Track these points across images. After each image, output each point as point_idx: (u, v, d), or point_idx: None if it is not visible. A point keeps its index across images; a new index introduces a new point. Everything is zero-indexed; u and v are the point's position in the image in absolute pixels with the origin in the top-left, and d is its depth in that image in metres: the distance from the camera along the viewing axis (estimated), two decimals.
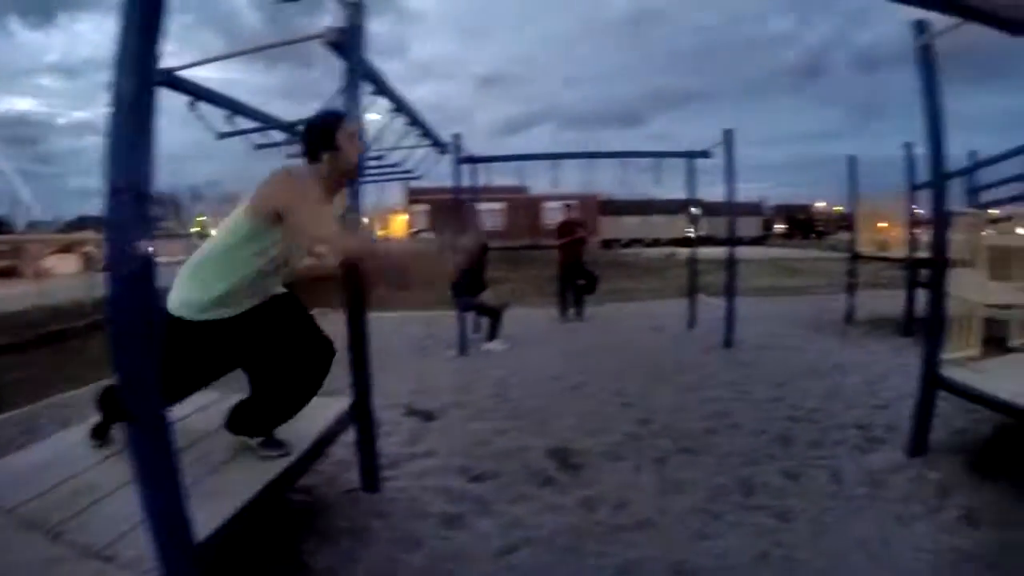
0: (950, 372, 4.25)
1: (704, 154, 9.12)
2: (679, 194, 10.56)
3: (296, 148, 4.20)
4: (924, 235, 8.75)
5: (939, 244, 4.16)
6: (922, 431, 4.22)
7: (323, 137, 2.83)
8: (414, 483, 3.92)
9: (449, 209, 10.15)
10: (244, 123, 4.89)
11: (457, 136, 8.47)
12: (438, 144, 7.32)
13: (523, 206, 42.80)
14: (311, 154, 2.86)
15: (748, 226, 56.83)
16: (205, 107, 4.40)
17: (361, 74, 3.70)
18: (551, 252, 11.92)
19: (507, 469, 4.09)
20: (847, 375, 6.45)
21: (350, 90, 3.57)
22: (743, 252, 9.66)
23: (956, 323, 4.80)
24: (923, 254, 8.58)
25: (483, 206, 33.52)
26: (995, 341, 5.81)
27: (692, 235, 14.00)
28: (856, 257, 10.67)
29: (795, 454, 4.31)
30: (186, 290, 2.75)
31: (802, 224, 73.89)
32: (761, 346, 8.21)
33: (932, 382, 4.21)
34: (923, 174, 9.30)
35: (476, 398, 5.87)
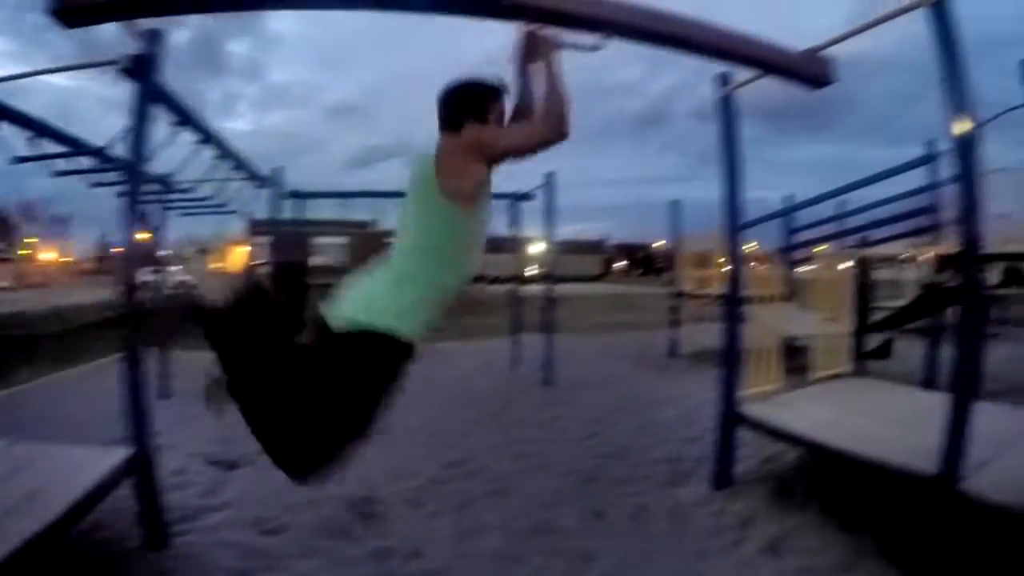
0: (750, 406, 4.37)
1: (527, 196, 9.30)
2: (526, 231, 10.67)
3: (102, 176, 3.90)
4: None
5: (734, 283, 4.30)
6: (725, 465, 4.29)
7: (472, 104, 2.34)
8: (205, 538, 3.59)
9: (289, 242, 9.78)
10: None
11: (278, 170, 8.17)
12: (256, 177, 7.04)
13: (370, 240, 41.54)
14: (451, 122, 2.33)
15: (590, 263, 58.35)
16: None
17: (160, 102, 3.51)
18: None
19: (302, 521, 3.83)
20: (664, 409, 6.56)
21: (140, 119, 3.34)
22: (583, 289, 9.75)
23: (762, 356, 4.92)
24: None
25: (326, 240, 32.68)
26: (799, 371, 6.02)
27: (533, 272, 14.12)
28: (679, 294, 11.13)
29: (601, 492, 4.27)
30: (397, 294, 2.23)
31: (642, 261, 76.45)
32: (582, 383, 8.27)
33: (730, 417, 4.30)
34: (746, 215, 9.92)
35: None
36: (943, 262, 6.95)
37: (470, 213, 2.24)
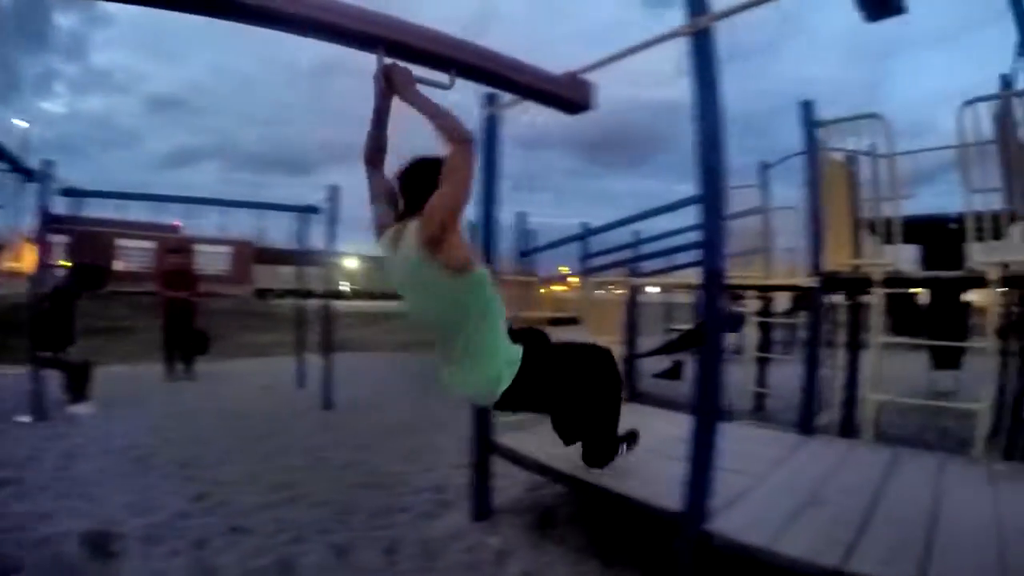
0: (505, 434, 4.28)
1: (313, 209, 9.09)
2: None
3: None
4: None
5: None
6: (482, 495, 4.16)
7: (425, 183, 2.49)
8: None
9: (92, 242, 9.04)
10: None
11: (49, 163, 7.37)
12: (21, 170, 6.34)
13: (173, 248, 38.93)
14: (419, 204, 2.51)
15: None
16: None
17: None
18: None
19: (36, 561, 3.42)
20: (441, 432, 6.42)
21: None
22: (397, 305, 9.47)
23: None
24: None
25: (130, 243, 30.39)
26: None
27: (345, 288, 13.86)
28: None
29: (354, 525, 4.03)
30: (494, 365, 2.70)
31: None
32: (365, 405, 8.07)
33: (484, 445, 4.18)
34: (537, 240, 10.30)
35: (35, 474, 4.90)
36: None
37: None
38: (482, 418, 4.19)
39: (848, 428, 5.01)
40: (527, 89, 3.27)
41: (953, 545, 2.57)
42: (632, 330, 7.52)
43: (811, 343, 4.59)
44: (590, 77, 3.41)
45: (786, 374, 6.54)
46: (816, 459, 3.86)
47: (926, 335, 8.15)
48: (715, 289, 2.82)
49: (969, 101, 4.06)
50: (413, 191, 2.62)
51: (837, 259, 4.59)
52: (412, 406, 8.00)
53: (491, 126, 4.08)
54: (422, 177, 2.56)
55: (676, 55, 2.80)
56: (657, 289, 7.35)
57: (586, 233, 9.76)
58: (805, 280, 4.64)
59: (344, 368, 8.99)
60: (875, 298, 4.30)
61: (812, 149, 4.63)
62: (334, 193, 8.52)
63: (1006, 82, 4.67)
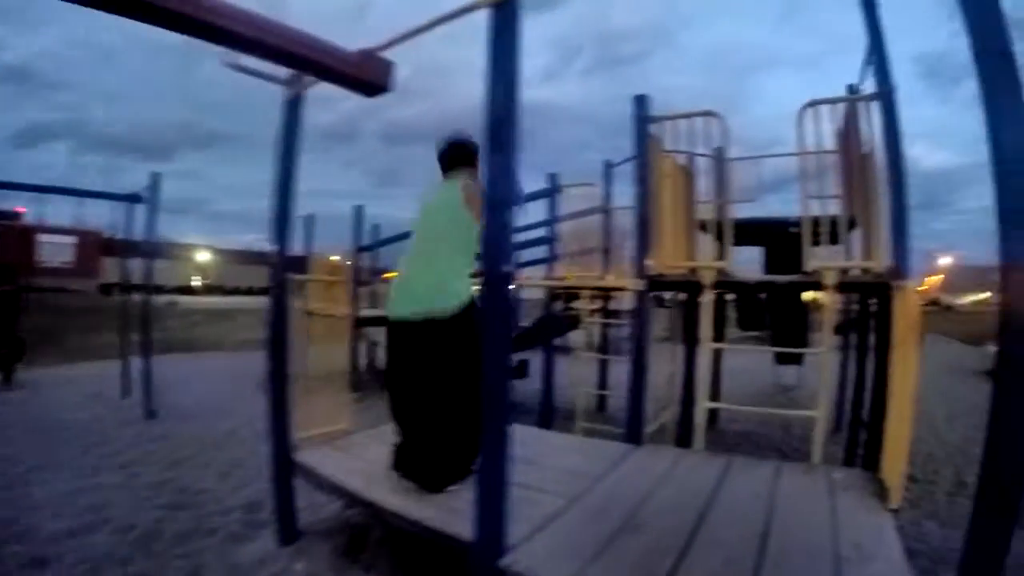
0: (306, 450, 3.97)
1: (136, 197, 8.36)
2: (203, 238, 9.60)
3: None
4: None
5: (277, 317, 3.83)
6: (287, 518, 3.81)
7: (477, 155, 3.74)
8: None
9: None
10: None
11: None
12: None
13: (13, 237, 36.16)
14: (474, 164, 3.81)
15: (261, 275, 55.78)
16: None
17: None
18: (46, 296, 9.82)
19: None
20: (266, 441, 5.92)
21: None
22: (247, 302, 8.82)
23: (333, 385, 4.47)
24: (369, 311, 8.90)
25: None
26: None
27: (197, 283, 13.15)
28: (309, 312, 10.48)
29: (156, 552, 3.63)
30: (462, 276, 3.44)
31: None
32: (191, 413, 7.55)
33: (284, 464, 3.84)
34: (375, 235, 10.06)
35: None
36: (553, 292, 7.06)
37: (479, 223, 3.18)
38: (281, 432, 3.86)
39: (683, 434, 4.88)
40: (314, 66, 3.02)
41: (784, 568, 2.39)
42: None
43: (637, 347, 4.40)
44: (376, 52, 3.15)
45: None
46: (641, 473, 3.59)
47: (770, 330, 8.30)
48: (497, 292, 2.53)
49: (810, 103, 4.02)
50: (450, 162, 3.83)
51: (667, 261, 4.44)
52: (243, 412, 7.55)
53: (292, 110, 3.70)
54: (455, 154, 3.83)
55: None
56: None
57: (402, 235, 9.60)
58: (631, 282, 4.47)
59: (183, 371, 8.44)
60: (707, 301, 4.19)
61: (643, 145, 4.48)
62: (155, 181, 8.01)
63: (852, 90, 4.77)
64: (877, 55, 4.00)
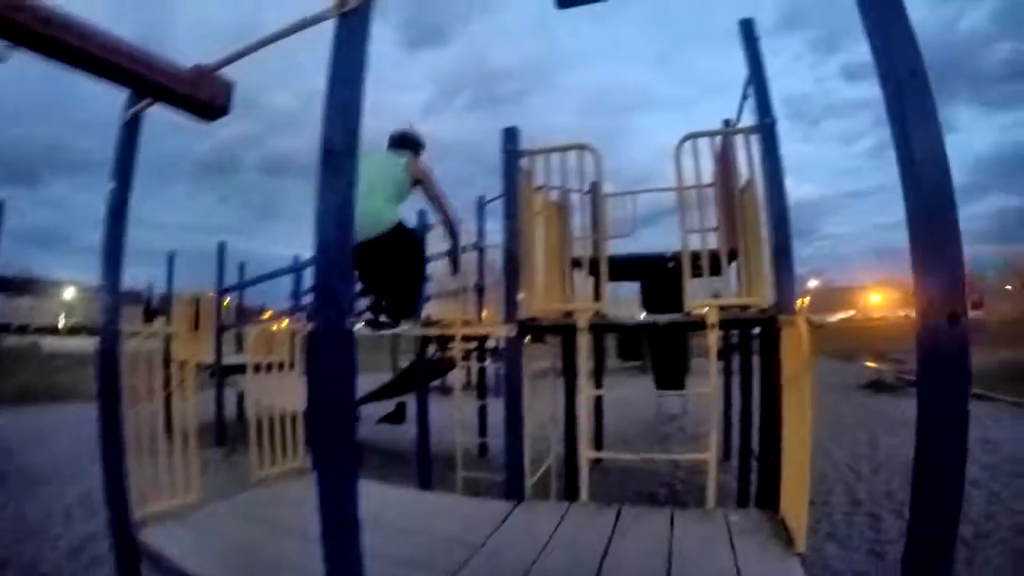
0: (155, 530, 3.34)
1: None
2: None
3: None
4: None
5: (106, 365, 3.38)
6: None
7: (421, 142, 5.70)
8: None
9: None
10: None
11: None
12: None
13: None
14: (418, 149, 5.63)
15: (130, 315, 51.51)
16: None
17: None
18: None
19: None
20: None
21: None
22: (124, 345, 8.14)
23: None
24: (236, 358, 8.42)
25: None
26: None
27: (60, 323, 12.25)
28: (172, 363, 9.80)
29: None
30: (391, 209, 5.17)
31: (145, 313, 73.72)
32: (46, 475, 6.95)
33: (127, 549, 3.28)
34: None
35: None
36: (424, 338, 6.70)
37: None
38: (120, 508, 3.31)
39: (569, 484, 4.60)
40: (134, 80, 2.63)
41: None
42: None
43: (511, 399, 4.09)
44: (214, 71, 2.79)
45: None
46: (525, 535, 3.20)
47: (651, 358, 8.24)
48: (334, 354, 2.09)
49: (688, 136, 3.97)
50: (400, 143, 5.55)
51: (540, 303, 4.21)
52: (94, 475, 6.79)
53: (128, 133, 3.27)
54: (405, 140, 5.58)
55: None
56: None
57: (299, 267, 9.15)
58: (500, 328, 4.19)
59: (45, 422, 7.68)
60: (583, 344, 3.96)
61: (511, 180, 4.24)
62: None
63: (727, 125, 4.82)
64: (758, 88, 3.94)
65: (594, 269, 4.28)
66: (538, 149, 4.26)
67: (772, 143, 3.78)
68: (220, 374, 8.70)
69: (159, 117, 3.06)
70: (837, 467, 6.45)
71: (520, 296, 4.14)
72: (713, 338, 3.73)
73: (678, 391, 8.49)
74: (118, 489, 3.31)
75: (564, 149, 4.17)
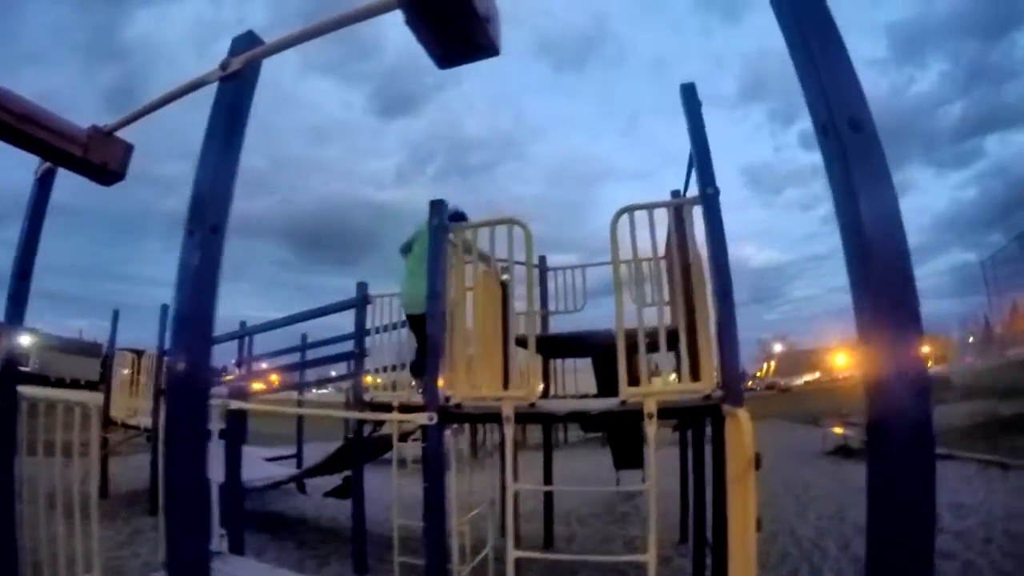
0: None
1: None
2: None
3: None
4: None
5: None
6: None
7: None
8: None
9: None
10: None
11: None
12: None
13: None
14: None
15: (88, 367, 46.39)
16: None
17: None
18: None
19: None
20: None
21: None
22: (77, 396, 7.58)
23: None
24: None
25: None
26: None
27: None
28: (109, 423, 9.48)
29: None
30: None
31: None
32: None
33: None
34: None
35: None
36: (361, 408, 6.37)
37: None
38: None
39: None
40: (20, 137, 2.30)
41: None
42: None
43: (431, 488, 3.76)
44: (112, 132, 2.55)
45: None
46: None
47: (607, 435, 7.92)
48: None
49: (623, 210, 3.74)
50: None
51: (462, 390, 3.91)
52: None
53: (40, 185, 3.05)
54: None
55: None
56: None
57: (246, 332, 8.95)
58: (420, 416, 3.86)
59: None
60: (508, 435, 3.70)
61: (438, 255, 3.97)
62: None
63: (675, 195, 4.64)
64: (700, 155, 3.75)
65: (538, 348, 3.99)
66: (468, 224, 4.05)
67: (714, 214, 3.56)
68: (156, 437, 8.28)
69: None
70: (801, 544, 6.16)
71: (440, 382, 3.90)
72: (652, 430, 3.43)
73: (637, 468, 8.19)
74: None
75: (493, 224, 3.92)
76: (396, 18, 1.53)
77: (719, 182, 3.67)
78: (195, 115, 2.19)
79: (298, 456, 10.01)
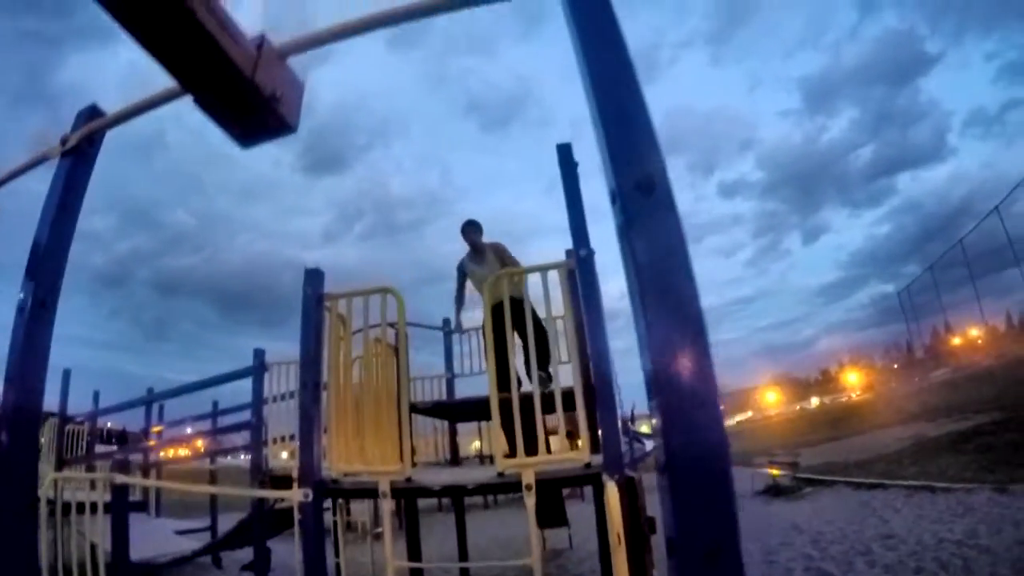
0: None
1: None
2: None
3: None
4: None
5: None
6: None
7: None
8: None
9: None
10: None
11: None
12: None
13: None
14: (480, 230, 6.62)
15: None
16: None
17: None
18: None
19: None
20: None
21: None
22: None
23: None
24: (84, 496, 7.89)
25: None
26: None
27: None
28: None
29: None
30: None
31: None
32: None
33: None
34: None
35: None
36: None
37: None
38: None
39: None
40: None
41: None
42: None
43: (308, 562, 3.54)
44: None
45: None
46: None
47: None
48: None
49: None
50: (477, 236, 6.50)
51: (339, 463, 3.75)
52: None
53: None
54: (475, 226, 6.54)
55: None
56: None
57: (152, 398, 8.79)
58: (293, 492, 3.66)
59: None
60: (385, 510, 3.60)
61: (310, 325, 3.86)
62: None
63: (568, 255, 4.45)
64: (574, 216, 3.68)
65: (439, 413, 3.86)
66: (341, 293, 3.90)
67: (590, 276, 3.53)
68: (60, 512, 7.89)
69: None
70: None
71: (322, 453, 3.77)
72: (530, 502, 3.31)
73: (562, 526, 8.06)
74: None
75: (367, 293, 3.85)
76: (325, 77, 1.42)
77: None
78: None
79: (212, 528, 9.63)
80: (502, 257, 6.27)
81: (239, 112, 2.01)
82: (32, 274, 1.97)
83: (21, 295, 1.93)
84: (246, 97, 1.82)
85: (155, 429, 9.40)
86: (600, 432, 3.31)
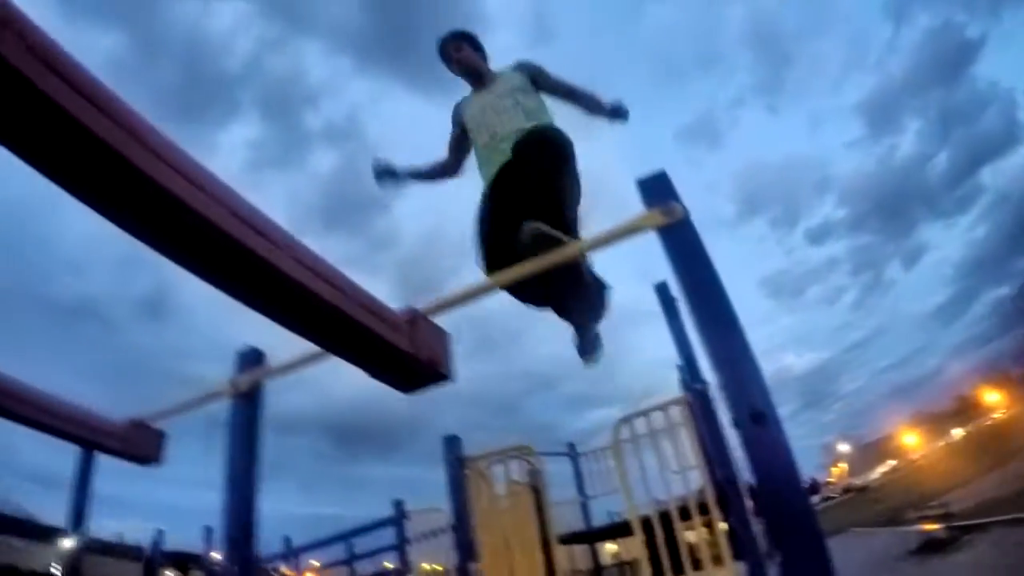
0: None
1: None
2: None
3: None
4: None
5: None
6: None
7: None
8: None
9: None
10: None
11: None
12: None
13: None
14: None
15: (129, 570, 43.33)
16: None
17: None
18: None
19: None
20: None
21: None
22: None
23: None
24: None
25: None
26: None
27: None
28: None
29: None
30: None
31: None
32: None
33: None
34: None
35: None
36: None
37: None
38: None
39: None
40: (70, 437, 2.64)
41: None
42: None
43: None
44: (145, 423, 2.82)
45: None
46: None
47: None
48: None
49: (624, 419, 3.97)
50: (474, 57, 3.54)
51: None
52: None
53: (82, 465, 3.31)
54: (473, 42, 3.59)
55: None
56: None
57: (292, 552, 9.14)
58: None
59: None
60: None
61: (457, 485, 4.25)
62: None
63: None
64: (685, 358, 3.90)
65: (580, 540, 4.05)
66: (481, 455, 4.19)
67: (708, 405, 3.77)
68: None
69: None
70: None
71: None
72: None
73: None
74: None
75: (505, 453, 4.15)
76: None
77: (739, 302, 3.71)
78: None
79: None
80: (533, 75, 3.48)
81: (400, 374, 2.42)
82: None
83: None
84: (405, 361, 2.22)
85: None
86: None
